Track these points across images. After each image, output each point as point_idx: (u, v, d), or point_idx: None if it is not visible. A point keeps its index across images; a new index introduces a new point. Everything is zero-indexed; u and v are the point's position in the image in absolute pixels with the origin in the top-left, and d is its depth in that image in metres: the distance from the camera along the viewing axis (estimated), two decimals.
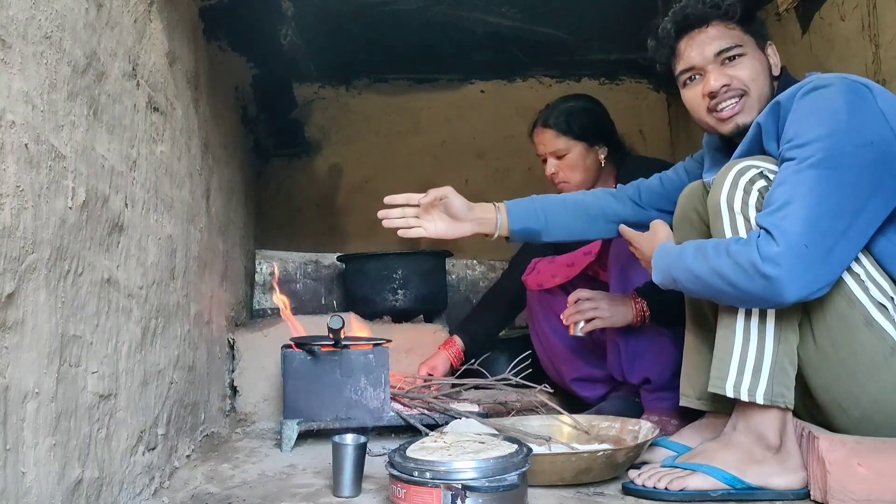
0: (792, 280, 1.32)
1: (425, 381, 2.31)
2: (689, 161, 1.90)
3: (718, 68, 1.60)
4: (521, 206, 1.92)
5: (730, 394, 1.44)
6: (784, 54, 1.67)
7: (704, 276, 1.43)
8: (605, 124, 2.31)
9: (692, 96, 1.65)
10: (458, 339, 2.50)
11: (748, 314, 1.44)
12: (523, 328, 2.81)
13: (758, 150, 1.52)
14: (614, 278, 2.12)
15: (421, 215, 1.84)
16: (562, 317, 2.08)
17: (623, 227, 1.77)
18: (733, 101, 1.58)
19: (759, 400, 1.41)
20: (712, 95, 1.60)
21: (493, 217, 1.89)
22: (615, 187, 2.22)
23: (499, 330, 2.65)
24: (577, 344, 2.26)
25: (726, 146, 1.67)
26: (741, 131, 1.58)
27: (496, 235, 1.90)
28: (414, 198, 1.83)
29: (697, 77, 1.64)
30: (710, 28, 1.61)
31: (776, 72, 1.63)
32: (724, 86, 1.58)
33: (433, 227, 1.85)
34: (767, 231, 1.35)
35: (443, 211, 1.84)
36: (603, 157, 2.27)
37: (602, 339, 2.16)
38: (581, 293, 2.05)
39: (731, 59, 1.59)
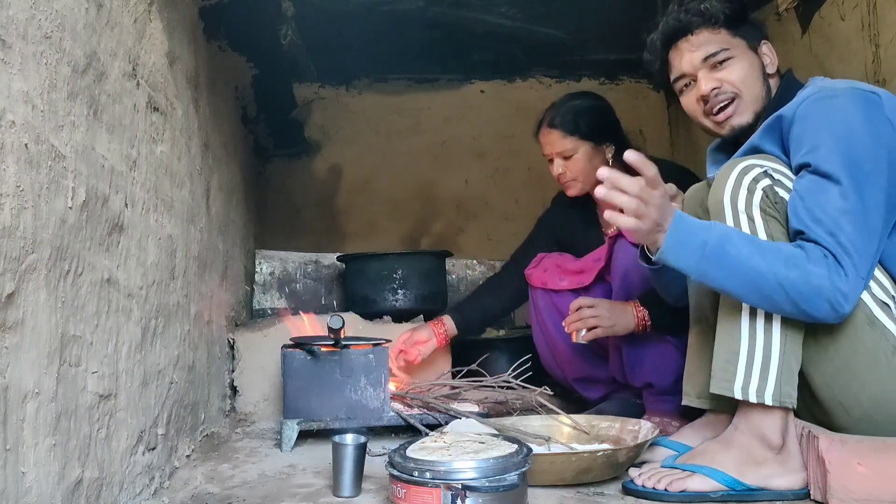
0: (851, 307, 1.36)
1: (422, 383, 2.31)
2: None
3: (707, 73, 1.62)
4: None
5: (738, 396, 1.42)
6: (784, 54, 1.67)
7: (765, 279, 1.36)
8: (612, 122, 2.27)
9: (688, 102, 1.69)
10: (448, 320, 2.42)
11: (753, 314, 1.43)
12: (523, 328, 2.80)
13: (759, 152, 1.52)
14: (616, 286, 2.11)
15: None
16: (564, 324, 2.07)
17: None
18: (726, 103, 1.60)
19: (768, 401, 1.40)
20: (705, 99, 1.63)
21: None
22: None
23: (497, 318, 2.58)
24: (580, 345, 2.25)
25: (730, 147, 1.68)
26: (739, 133, 1.61)
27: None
28: None
29: (691, 83, 1.66)
30: (695, 35, 1.63)
31: (771, 70, 1.64)
32: (713, 89, 1.61)
33: None
34: (837, 261, 1.34)
35: None
36: (610, 155, 2.21)
37: (605, 341, 2.16)
38: (583, 300, 2.04)
39: (720, 62, 1.61)
